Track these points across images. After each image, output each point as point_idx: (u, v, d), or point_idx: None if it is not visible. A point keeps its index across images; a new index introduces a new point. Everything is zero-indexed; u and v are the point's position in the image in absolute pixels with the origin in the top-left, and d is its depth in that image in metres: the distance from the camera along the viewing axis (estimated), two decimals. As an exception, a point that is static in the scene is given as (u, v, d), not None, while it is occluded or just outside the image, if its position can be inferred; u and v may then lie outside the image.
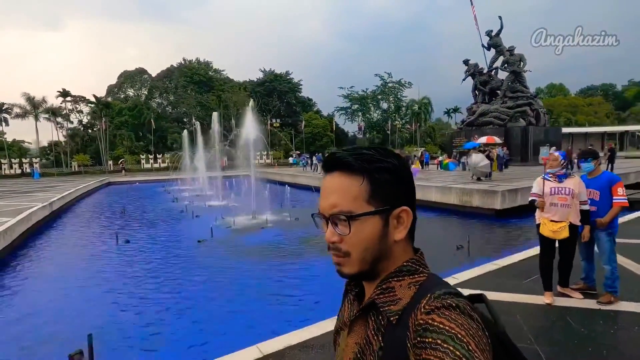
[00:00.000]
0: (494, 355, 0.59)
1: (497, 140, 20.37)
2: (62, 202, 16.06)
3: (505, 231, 10.12)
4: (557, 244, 4.21)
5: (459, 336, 0.53)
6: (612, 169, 17.30)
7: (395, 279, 0.69)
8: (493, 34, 30.51)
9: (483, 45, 31.37)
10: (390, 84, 62.28)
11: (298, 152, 46.24)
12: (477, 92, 31.65)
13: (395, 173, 0.68)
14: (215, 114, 24.10)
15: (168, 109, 65.83)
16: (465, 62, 32.37)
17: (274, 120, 51.72)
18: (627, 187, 16.41)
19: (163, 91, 68.06)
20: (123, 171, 37.67)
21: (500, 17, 30.05)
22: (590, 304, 4.12)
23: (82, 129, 54.23)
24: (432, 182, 14.79)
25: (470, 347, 0.52)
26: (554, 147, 22.40)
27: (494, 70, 31.05)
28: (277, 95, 63.92)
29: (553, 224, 4.06)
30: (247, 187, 21.65)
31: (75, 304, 5.67)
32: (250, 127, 21.63)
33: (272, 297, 5.62)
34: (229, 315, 5.07)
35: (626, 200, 4.15)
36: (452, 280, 4.98)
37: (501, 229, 10.28)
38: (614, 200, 4.12)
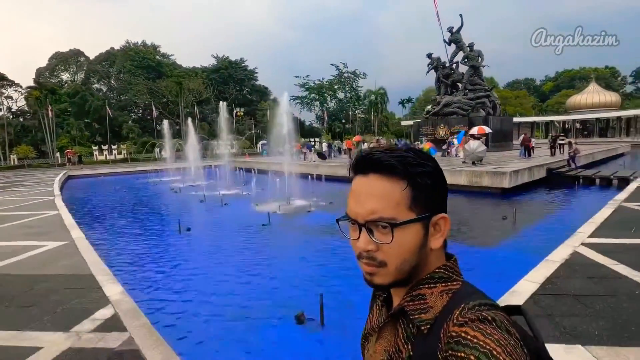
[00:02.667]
0: None
1: (487, 130, 22.58)
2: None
3: (524, 204, 11.93)
4: None
5: (494, 353, 0.49)
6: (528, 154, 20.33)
7: (427, 286, 0.66)
8: (454, 30, 33.22)
9: (445, 41, 34.01)
10: (346, 74, 63.91)
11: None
12: (440, 84, 34.31)
13: (435, 177, 0.66)
14: (222, 104, 23.33)
15: (111, 96, 60.64)
16: (429, 55, 34.79)
17: (238, 109, 50.53)
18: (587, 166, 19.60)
19: (104, 76, 62.41)
20: (71, 164, 34.28)
21: (460, 15, 32.82)
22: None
23: (11, 117, 48.03)
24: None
25: None
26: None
27: (455, 64, 33.87)
28: (233, 83, 62.23)
29: None
30: (242, 176, 21.64)
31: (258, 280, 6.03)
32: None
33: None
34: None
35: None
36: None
37: (517, 203, 12.10)
38: None
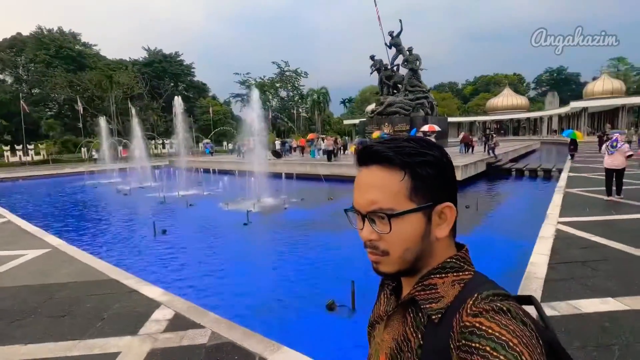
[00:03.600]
0: None
1: (437, 128, 24.28)
2: None
3: (477, 194, 13.35)
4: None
5: (511, 344, 0.49)
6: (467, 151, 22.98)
7: (438, 275, 0.65)
8: (394, 34, 35.30)
9: (386, 44, 35.96)
10: (287, 73, 63.97)
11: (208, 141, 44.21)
12: (382, 85, 36.21)
13: (438, 166, 0.64)
14: (177, 98, 21.80)
15: (20, 89, 53.01)
16: (372, 57, 36.52)
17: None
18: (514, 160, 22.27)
19: (10, 65, 54.31)
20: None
21: (400, 21, 34.97)
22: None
23: None
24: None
25: (523, 358, 0.48)
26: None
27: (396, 67, 36.00)
28: (168, 79, 58.56)
29: None
30: (193, 176, 20.70)
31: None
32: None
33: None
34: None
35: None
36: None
37: (471, 194, 13.48)
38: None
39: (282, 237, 8.88)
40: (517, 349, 0.49)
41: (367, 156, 0.66)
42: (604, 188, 8.60)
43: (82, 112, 39.26)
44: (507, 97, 58.67)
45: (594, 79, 76.86)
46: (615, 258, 4.69)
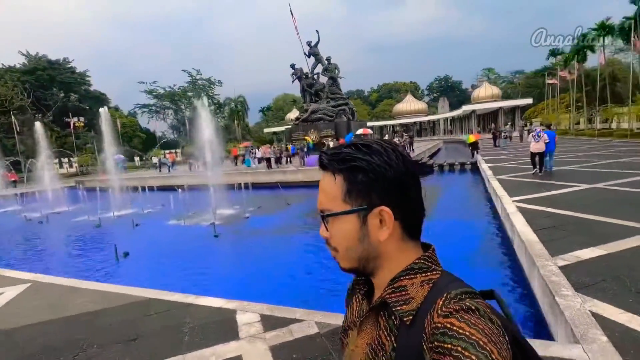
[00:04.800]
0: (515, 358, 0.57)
1: (369, 131, 25.81)
2: None
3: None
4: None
5: (481, 343, 0.51)
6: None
7: (407, 277, 0.67)
8: (312, 44, 36.81)
9: (305, 53, 37.28)
10: (200, 81, 61.40)
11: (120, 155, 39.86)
12: (305, 93, 37.37)
13: (374, 172, 0.65)
14: (104, 109, 19.11)
15: None
16: (292, 66, 37.47)
17: (76, 119, 41.64)
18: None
19: None
20: None
21: (317, 31, 36.65)
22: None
23: None
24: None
25: (493, 356, 0.50)
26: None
27: (317, 75, 37.54)
28: (57, 88, 51.10)
29: None
30: (122, 194, 18.85)
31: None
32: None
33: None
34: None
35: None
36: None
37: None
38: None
39: (265, 241, 8.96)
40: (487, 348, 0.51)
41: (319, 164, 0.72)
42: (524, 173, 10.84)
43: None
44: (409, 103, 65.66)
45: (472, 86, 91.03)
46: (574, 222, 6.07)
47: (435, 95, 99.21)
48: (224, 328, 3.55)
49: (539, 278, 4.16)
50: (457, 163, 20.57)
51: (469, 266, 6.13)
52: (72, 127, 40.72)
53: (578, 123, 40.65)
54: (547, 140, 11.21)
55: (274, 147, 28.46)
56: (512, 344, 0.57)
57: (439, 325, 0.56)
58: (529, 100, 47.58)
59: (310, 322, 3.50)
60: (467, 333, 0.53)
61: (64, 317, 4.14)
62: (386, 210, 0.66)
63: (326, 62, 36.33)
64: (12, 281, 5.57)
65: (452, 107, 68.00)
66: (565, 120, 39.80)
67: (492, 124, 40.19)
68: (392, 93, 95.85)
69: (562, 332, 3.21)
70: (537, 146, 11.44)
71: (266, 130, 56.56)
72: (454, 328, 0.54)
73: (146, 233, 11.26)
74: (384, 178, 0.66)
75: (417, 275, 0.67)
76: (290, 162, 27.12)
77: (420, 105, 66.91)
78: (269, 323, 3.57)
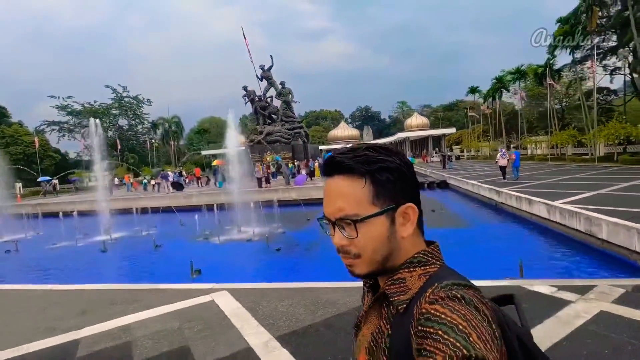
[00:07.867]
0: (514, 357, 0.60)
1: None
2: None
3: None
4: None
5: (460, 327, 0.53)
6: None
7: (407, 270, 0.70)
8: (265, 68, 37.39)
9: (257, 76, 37.65)
10: (126, 99, 56.77)
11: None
12: (258, 114, 37.43)
13: (397, 171, 0.68)
14: (95, 120, 16.34)
15: None
16: (244, 88, 37.43)
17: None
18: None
19: None
20: None
21: (271, 56, 37.44)
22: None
23: None
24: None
25: (471, 339, 0.52)
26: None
27: (270, 98, 38.05)
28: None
29: None
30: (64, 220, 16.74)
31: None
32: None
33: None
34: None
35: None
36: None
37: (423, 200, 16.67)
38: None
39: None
40: (466, 331, 0.52)
41: (330, 167, 0.70)
42: (497, 179, 15.95)
43: None
44: (343, 130, 70.37)
45: (390, 116, 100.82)
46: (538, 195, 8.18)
47: (358, 123, 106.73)
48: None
49: None
50: (426, 181, 22.82)
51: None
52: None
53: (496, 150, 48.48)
54: (514, 157, 15.96)
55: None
56: (518, 346, 0.63)
57: (424, 311, 0.58)
58: (453, 130, 55.36)
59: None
60: (449, 318, 0.54)
61: (97, 333, 4.19)
62: (412, 206, 0.69)
63: (280, 86, 37.13)
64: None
65: (375, 135, 75.03)
66: (485, 147, 46.59)
67: (437, 149, 45.43)
68: (319, 120, 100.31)
69: None
70: (503, 162, 16.09)
71: (204, 152, 54.23)
72: (437, 313, 0.56)
73: (190, 252, 10.45)
74: (405, 177, 0.70)
75: (416, 269, 0.69)
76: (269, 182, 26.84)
77: (354, 131, 72.11)
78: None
